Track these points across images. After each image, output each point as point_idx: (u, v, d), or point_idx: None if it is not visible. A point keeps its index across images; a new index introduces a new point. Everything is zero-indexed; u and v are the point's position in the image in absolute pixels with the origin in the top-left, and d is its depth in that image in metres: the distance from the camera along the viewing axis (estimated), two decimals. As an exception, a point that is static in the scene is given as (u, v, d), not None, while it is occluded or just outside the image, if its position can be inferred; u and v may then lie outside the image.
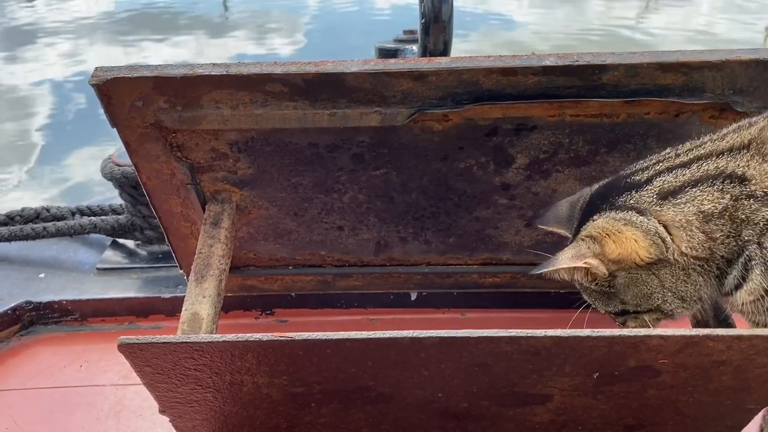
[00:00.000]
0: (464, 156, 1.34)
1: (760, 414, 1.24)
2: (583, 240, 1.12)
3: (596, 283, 1.13)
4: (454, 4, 1.59)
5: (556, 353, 1.02)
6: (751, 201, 1.04)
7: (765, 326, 1.09)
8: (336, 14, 9.28)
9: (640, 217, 1.09)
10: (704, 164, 1.08)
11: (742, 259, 1.06)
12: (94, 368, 1.74)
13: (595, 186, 1.20)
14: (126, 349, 1.01)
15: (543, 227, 1.28)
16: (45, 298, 1.89)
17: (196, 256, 1.34)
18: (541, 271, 1.13)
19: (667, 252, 1.07)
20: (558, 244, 1.22)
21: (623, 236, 1.09)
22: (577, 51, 1.19)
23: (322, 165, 1.36)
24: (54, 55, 7.80)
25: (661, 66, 1.17)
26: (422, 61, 1.19)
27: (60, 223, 2.06)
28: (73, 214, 2.13)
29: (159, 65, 1.20)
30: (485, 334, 0.98)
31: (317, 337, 1.00)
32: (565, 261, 1.11)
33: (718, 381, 1.07)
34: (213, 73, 1.18)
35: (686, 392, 1.10)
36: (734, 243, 1.06)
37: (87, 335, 1.86)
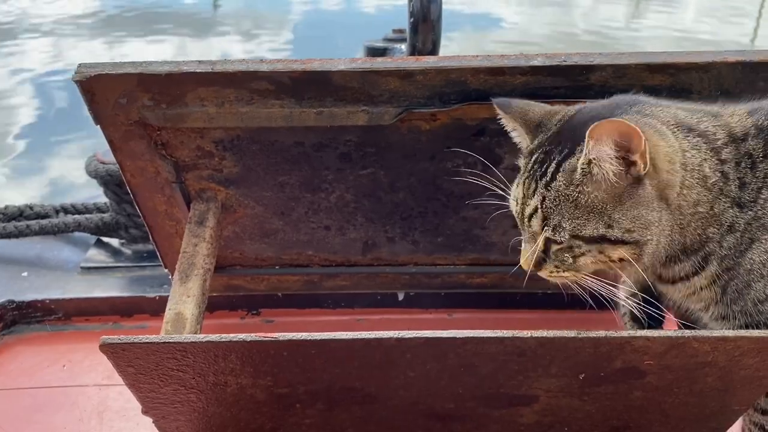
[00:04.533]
0: (452, 156, 1.33)
1: (744, 416, 1.24)
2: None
3: (613, 180, 0.97)
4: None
5: (541, 354, 1.01)
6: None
7: None
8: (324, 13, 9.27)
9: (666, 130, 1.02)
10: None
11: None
12: (78, 368, 1.72)
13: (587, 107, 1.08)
14: (108, 349, 1.00)
15: (502, 111, 1.11)
16: (28, 297, 1.87)
17: (180, 255, 1.33)
18: (597, 122, 0.94)
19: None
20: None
21: (658, 132, 1.00)
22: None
23: (309, 164, 1.35)
24: (37, 51, 7.73)
25: (648, 67, 1.17)
26: (410, 60, 1.19)
27: (44, 221, 2.04)
28: (57, 212, 2.11)
29: (143, 62, 1.18)
30: (471, 335, 0.98)
31: (302, 338, 0.99)
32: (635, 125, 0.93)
33: (703, 382, 1.07)
34: (198, 71, 1.17)
35: (672, 393, 1.10)
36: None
37: (70, 335, 1.84)
